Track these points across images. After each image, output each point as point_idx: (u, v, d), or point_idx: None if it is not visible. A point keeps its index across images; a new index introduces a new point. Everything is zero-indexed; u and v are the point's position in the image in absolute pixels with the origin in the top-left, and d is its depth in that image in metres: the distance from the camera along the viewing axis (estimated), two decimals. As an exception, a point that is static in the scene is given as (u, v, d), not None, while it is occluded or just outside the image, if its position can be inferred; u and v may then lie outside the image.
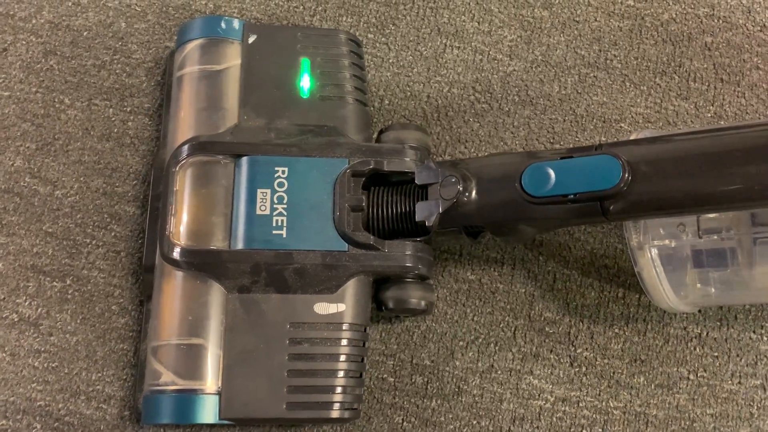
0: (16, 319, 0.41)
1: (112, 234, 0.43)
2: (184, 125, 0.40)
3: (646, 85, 0.46)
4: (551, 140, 0.45)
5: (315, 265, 0.37)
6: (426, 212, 0.36)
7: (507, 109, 0.46)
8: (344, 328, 0.37)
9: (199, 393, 0.35)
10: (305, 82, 0.41)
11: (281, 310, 0.37)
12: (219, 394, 0.36)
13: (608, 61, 0.47)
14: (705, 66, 0.46)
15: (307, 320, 0.37)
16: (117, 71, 0.46)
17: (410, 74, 0.47)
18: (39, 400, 0.40)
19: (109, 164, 0.44)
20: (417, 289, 0.38)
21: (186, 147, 0.38)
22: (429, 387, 0.41)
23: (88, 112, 0.45)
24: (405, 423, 0.40)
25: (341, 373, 0.37)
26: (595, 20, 0.48)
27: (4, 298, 0.41)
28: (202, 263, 0.37)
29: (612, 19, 0.48)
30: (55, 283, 0.42)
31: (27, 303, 0.41)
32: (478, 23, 0.48)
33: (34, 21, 0.47)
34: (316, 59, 0.42)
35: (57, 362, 0.40)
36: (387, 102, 0.46)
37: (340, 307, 0.37)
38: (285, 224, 0.37)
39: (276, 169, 0.38)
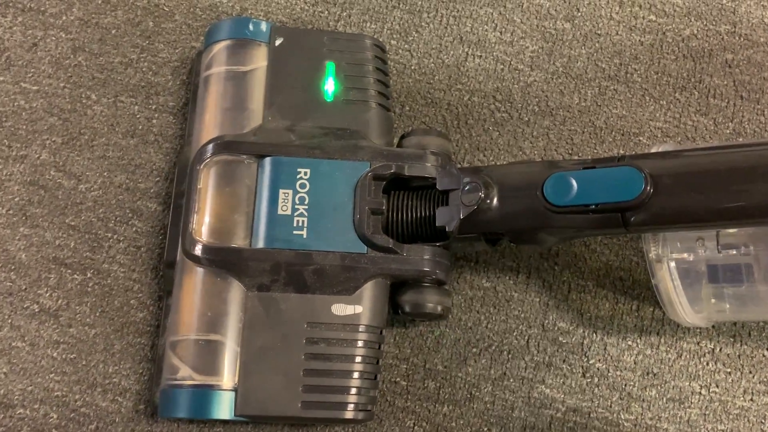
0: (36, 310, 0.41)
1: (134, 229, 0.43)
2: (210, 124, 0.40)
3: (666, 100, 0.46)
4: (570, 151, 0.45)
5: (334, 266, 0.37)
6: (447, 218, 0.36)
7: (527, 119, 0.46)
8: (361, 329, 0.37)
9: (215, 389, 0.35)
10: (329, 86, 0.41)
11: (299, 310, 0.37)
12: (235, 390, 0.35)
13: (629, 75, 0.47)
14: (725, 83, 0.46)
15: (324, 320, 0.37)
16: (143, 69, 0.46)
17: (432, 81, 0.47)
18: (56, 390, 0.40)
19: (132, 160, 0.44)
20: (434, 294, 0.38)
21: (211, 146, 0.38)
22: (441, 392, 0.40)
23: (113, 108, 0.45)
24: (416, 427, 0.40)
25: (356, 375, 0.36)
26: (617, 34, 0.48)
27: (26, 289, 0.41)
28: (223, 261, 0.37)
29: (633, 33, 0.48)
30: (75, 276, 0.42)
31: (48, 294, 0.41)
32: (501, 33, 0.48)
33: (64, 17, 0.47)
34: (341, 63, 0.42)
35: (75, 354, 0.40)
36: (408, 108, 0.46)
37: (358, 308, 0.37)
38: (306, 225, 0.37)
39: (298, 170, 0.38)
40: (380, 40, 0.46)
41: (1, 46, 0.46)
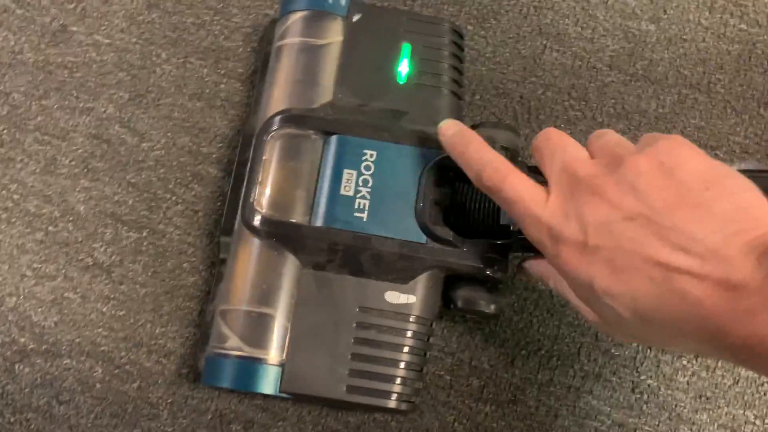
0: (90, 263, 0.41)
1: (193, 193, 0.42)
2: (279, 96, 0.39)
3: (749, 114, 0.44)
4: (642, 158, 0.43)
5: (392, 253, 0.35)
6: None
7: (600, 120, 0.44)
8: (411, 319, 0.36)
9: (262, 362, 0.35)
10: (404, 68, 0.40)
11: (352, 293, 0.36)
12: (282, 366, 0.35)
13: (711, 85, 0.45)
14: (815, 102, 0.43)
15: (376, 306, 0.36)
16: (215, 32, 0.45)
17: (505, 71, 0.45)
18: (103, 345, 0.40)
19: (197, 123, 0.43)
20: (488, 293, 0.37)
21: (278, 118, 0.37)
22: (485, 391, 0.39)
23: (182, 69, 0.44)
24: (456, 423, 0.39)
25: (403, 365, 0.35)
26: (703, 41, 0.45)
27: (82, 241, 0.41)
28: (282, 234, 0.36)
29: (721, 41, 0.45)
30: (131, 234, 0.41)
31: (102, 249, 0.41)
32: (581, 29, 0.46)
33: (141, -27, 0.46)
34: (417, 46, 0.40)
35: (124, 311, 0.40)
36: (478, 97, 0.44)
37: (411, 298, 0.36)
38: (367, 208, 0.36)
39: (365, 151, 0.37)
40: (458, 24, 0.45)
41: (77, -4, 0.46)
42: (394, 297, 0.36)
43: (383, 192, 0.36)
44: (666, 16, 0.46)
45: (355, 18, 0.40)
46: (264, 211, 0.36)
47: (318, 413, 0.39)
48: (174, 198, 0.42)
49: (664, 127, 0.44)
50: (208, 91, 0.44)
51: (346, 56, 0.40)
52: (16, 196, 0.42)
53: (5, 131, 0.43)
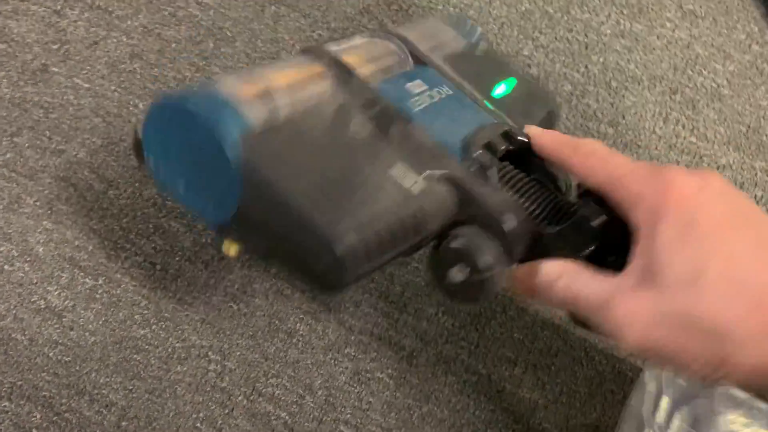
0: (42, 306, 0.40)
1: (152, 245, 0.42)
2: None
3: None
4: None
5: (423, 143, 0.32)
6: (590, 211, 0.31)
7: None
8: (405, 207, 0.30)
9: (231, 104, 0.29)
10: (500, 89, 0.40)
11: (362, 141, 0.31)
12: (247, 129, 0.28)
13: (659, 191, 0.46)
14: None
15: (377, 169, 0.30)
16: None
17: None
18: (45, 390, 0.39)
19: (165, 177, 0.43)
20: (493, 249, 0.30)
21: (392, 34, 0.38)
22: None
23: (158, 121, 0.44)
24: None
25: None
26: (656, 149, 0.47)
27: (36, 283, 0.40)
28: (336, 71, 0.33)
29: (672, 151, 0.47)
30: (87, 280, 0.41)
31: (57, 293, 0.40)
32: (544, 124, 0.47)
33: (129, 22, 0.46)
34: (521, 87, 0.41)
35: (71, 357, 0.39)
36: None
37: (416, 187, 0.30)
38: (422, 106, 0.34)
39: (443, 85, 0.36)
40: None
41: (62, 38, 0.45)
42: (401, 175, 0.31)
43: (444, 109, 0.35)
44: (624, 121, 0.48)
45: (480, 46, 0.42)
46: None
47: None
48: (134, 248, 0.42)
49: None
50: (180, 145, 0.44)
51: (459, 54, 0.40)
52: (-25, 231, 0.41)
53: (-27, 164, 0.42)
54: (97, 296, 0.41)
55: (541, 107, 0.41)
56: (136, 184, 0.43)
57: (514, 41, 0.49)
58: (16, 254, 0.41)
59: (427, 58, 0.38)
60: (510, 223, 0.30)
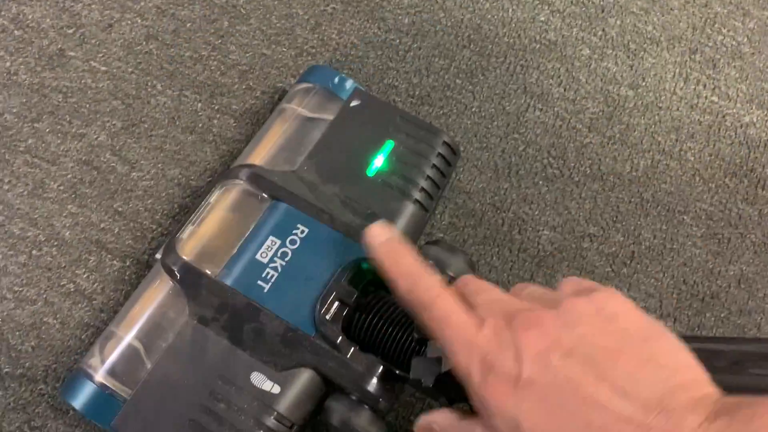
0: (72, 289, 0.40)
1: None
2: (257, 151, 0.39)
3: (715, 183, 0.45)
4: (614, 218, 0.44)
5: (274, 334, 0.33)
6: (423, 371, 0.30)
7: (577, 179, 0.45)
8: (269, 412, 0.32)
9: (112, 394, 0.33)
10: (378, 162, 0.38)
11: (220, 359, 0.33)
12: (123, 403, 0.33)
13: (682, 152, 0.46)
14: (777, 177, 0.45)
15: (237, 382, 0.32)
16: (212, 68, 0.45)
17: (489, 126, 0.45)
18: (79, 372, 0.39)
19: (188, 156, 0.43)
20: (370, 419, 0.32)
21: (241, 170, 0.37)
22: None
23: (177, 101, 0.44)
24: None
25: None
26: (677, 109, 0.47)
27: (65, 267, 0.40)
28: (185, 280, 0.35)
29: (693, 111, 0.47)
30: (115, 262, 0.41)
31: (85, 276, 0.40)
32: (564, 90, 0.47)
33: (142, 3, 0.46)
34: (400, 146, 0.38)
35: (103, 339, 0.39)
36: (462, 149, 0.45)
37: (276, 388, 0.32)
38: (272, 280, 0.34)
39: (298, 225, 0.35)
40: (445, 76, 0.45)
41: (78, 22, 0.45)
42: (260, 380, 0.32)
43: (295, 270, 0.34)
44: (644, 83, 0.47)
45: (353, 103, 0.40)
46: (187, 253, 0.35)
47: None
48: (160, 229, 0.41)
49: (637, 190, 0.44)
50: (201, 125, 0.44)
51: (329, 135, 0.39)
52: (1, 218, 0.41)
53: (-5, 151, 0.42)
54: (126, 278, 0.40)
55: (428, 150, 0.39)
56: (159, 165, 0.43)
57: (530, 7, 0.49)
58: (43, 239, 0.41)
59: (282, 191, 0.36)
60: (371, 386, 0.32)
